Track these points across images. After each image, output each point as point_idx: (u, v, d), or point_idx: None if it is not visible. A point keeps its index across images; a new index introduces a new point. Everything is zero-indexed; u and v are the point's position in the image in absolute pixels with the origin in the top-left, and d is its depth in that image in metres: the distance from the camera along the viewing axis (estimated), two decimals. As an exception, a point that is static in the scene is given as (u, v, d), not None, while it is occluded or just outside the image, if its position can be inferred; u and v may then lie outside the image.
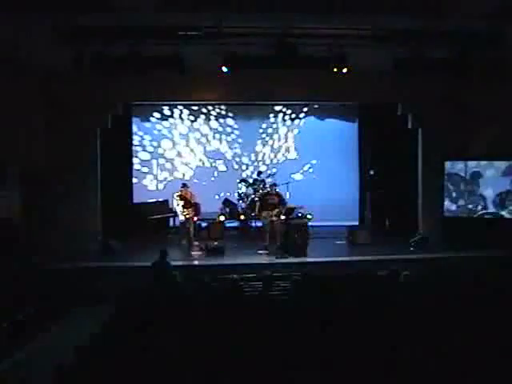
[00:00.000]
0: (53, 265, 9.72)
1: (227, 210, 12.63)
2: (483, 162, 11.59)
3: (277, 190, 12.04)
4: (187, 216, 11.24)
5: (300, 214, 12.03)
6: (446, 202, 11.90)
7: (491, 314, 6.00)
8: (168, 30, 9.52)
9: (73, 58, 9.52)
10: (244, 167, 12.47)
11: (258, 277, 8.11)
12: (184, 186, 11.46)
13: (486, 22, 9.14)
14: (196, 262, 10.68)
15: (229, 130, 13.96)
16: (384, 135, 13.14)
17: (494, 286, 7.41)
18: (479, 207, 11.55)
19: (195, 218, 11.55)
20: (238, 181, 13.01)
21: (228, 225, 12.49)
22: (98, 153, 11.71)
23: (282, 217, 11.72)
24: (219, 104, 13.30)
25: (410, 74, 10.72)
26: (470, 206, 11.72)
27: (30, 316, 7.42)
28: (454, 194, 11.86)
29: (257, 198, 12.15)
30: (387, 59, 10.36)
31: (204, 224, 12.52)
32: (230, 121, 14.00)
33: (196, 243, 11.54)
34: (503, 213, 11.44)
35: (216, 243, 10.98)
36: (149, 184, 13.44)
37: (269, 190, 11.93)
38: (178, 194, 11.32)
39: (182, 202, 11.21)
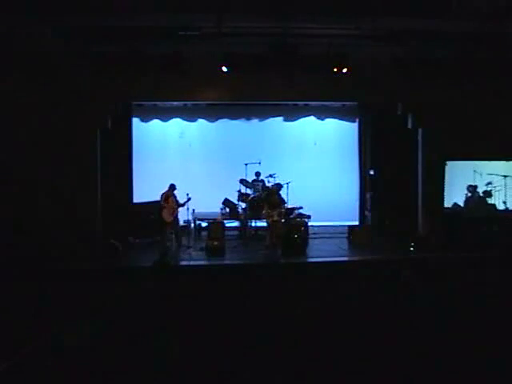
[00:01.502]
0: (53, 265, 9.70)
1: (227, 209, 12.62)
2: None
3: (279, 190, 12.10)
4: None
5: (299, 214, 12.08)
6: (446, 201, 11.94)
7: (491, 313, 6.00)
8: (168, 30, 9.54)
9: (73, 58, 9.55)
10: (244, 167, 12.44)
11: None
12: (170, 187, 11.44)
13: (486, 22, 9.15)
14: (196, 262, 10.67)
15: (228, 129, 13.95)
16: (384, 135, 13.13)
17: (493, 286, 7.42)
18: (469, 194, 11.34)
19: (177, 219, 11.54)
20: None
21: (228, 225, 12.48)
22: (98, 153, 11.70)
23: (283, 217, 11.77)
24: (219, 104, 13.29)
25: (410, 73, 10.73)
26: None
27: (30, 316, 7.40)
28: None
29: (262, 199, 12.20)
30: (387, 59, 10.38)
31: (204, 224, 12.53)
32: (229, 120, 13.99)
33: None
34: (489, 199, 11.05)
35: (216, 243, 10.97)
36: (149, 184, 13.40)
37: (272, 189, 11.96)
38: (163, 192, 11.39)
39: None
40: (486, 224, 11.45)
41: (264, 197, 12.07)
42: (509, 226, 11.09)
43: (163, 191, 11.32)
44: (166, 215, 11.11)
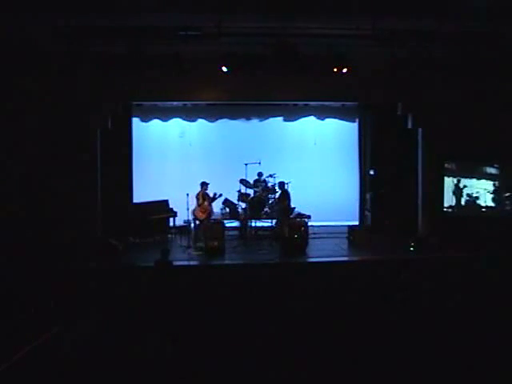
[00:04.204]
0: (53, 265, 9.71)
1: (227, 209, 12.62)
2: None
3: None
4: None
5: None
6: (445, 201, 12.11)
7: (491, 313, 6.00)
8: (168, 30, 9.54)
9: (73, 58, 9.54)
10: (244, 167, 12.43)
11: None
12: (202, 185, 11.70)
13: (485, 22, 9.15)
14: (196, 262, 10.67)
15: (228, 129, 13.95)
16: (384, 135, 13.14)
17: (493, 286, 7.42)
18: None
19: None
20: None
21: (228, 225, 12.48)
22: (98, 153, 11.70)
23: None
24: (219, 104, 13.28)
25: (410, 74, 10.74)
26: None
27: (30, 316, 7.41)
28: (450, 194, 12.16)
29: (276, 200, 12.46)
30: (387, 59, 10.38)
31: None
32: (229, 120, 14.00)
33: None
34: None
35: (216, 243, 10.97)
36: (149, 184, 13.40)
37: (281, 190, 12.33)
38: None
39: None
40: (485, 224, 11.50)
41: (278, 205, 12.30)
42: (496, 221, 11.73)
43: (198, 191, 11.62)
44: (198, 213, 11.54)
